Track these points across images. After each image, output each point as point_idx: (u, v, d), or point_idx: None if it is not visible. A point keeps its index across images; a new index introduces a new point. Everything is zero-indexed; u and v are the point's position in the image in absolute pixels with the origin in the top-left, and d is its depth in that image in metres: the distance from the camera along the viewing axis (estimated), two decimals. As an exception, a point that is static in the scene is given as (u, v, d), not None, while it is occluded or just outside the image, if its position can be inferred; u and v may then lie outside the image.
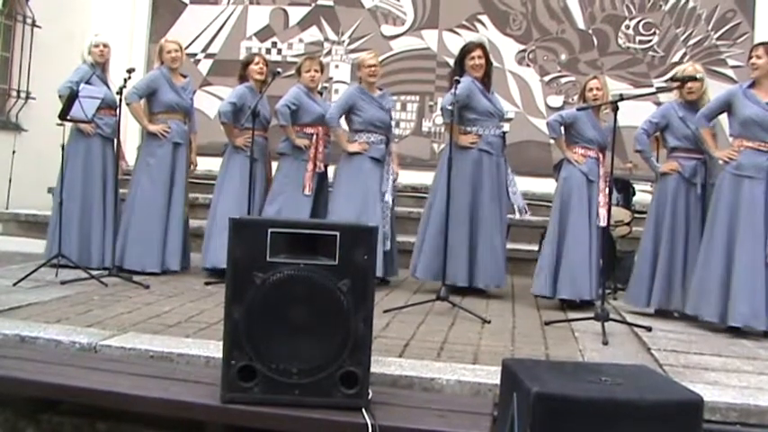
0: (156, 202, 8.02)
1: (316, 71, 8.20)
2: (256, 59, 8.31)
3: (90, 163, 8.00)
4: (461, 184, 7.45)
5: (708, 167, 7.02)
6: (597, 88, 7.57)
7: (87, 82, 7.70)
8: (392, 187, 7.92)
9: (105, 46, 8.22)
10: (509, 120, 8.39)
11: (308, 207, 8.00)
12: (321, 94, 8.51)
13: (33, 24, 11.55)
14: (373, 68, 8.05)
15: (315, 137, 8.09)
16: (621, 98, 6.42)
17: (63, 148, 7.57)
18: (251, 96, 8.03)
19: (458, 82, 7.19)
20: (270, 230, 3.88)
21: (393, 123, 8.22)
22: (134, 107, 8.02)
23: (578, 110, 7.54)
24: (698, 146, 7.03)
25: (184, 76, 8.44)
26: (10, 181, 10.60)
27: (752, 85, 6.60)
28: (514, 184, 7.77)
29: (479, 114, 7.63)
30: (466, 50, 7.90)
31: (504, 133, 7.87)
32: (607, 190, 7.27)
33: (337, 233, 3.90)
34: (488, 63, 7.87)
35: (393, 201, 7.94)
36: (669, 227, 7.07)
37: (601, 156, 7.55)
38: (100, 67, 8.16)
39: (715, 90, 7.22)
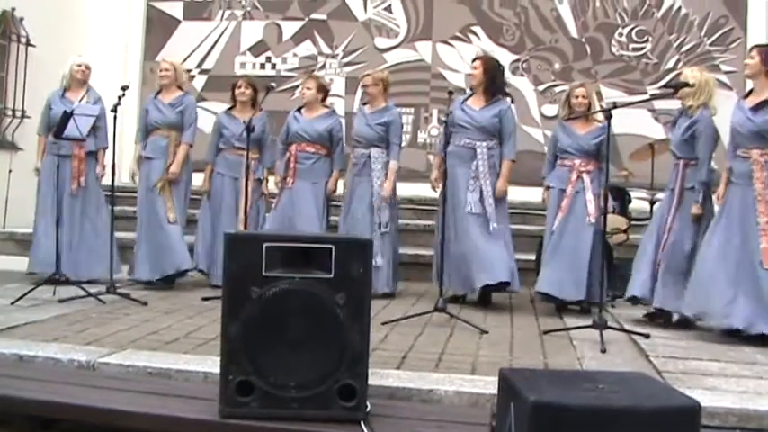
0: (141, 215, 8.35)
1: (308, 88, 8.51)
2: (240, 83, 8.76)
3: (61, 179, 8.10)
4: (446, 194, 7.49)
5: (681, 172, 7.05)
6: (582, 96, 7.72)
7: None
8: (382, 202, 8.05)
9: (87, 67, 8.46)
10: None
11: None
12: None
13: (28, 44, 11.56)
14: (364, 81, 8.38)
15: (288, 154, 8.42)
16: (615, 106, 6.45)
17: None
18: (227, 121, 8.69)
19: (451, 93, 7.40)
20: (265, 245, 3.88)
21: (396, 140, 8.29)
22: (136, 148, 8.53)
23: (565, 119, 7.73)
24: (674, 154, 7.15)
25: (182, 91, 8.58)
26: (6, 200, 10.61)
27: (749, 93, 6.64)
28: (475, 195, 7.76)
29: (453, 127, 7.67)
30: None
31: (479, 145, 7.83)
32: (589, 194, 7.45)
33: (332, 246, 3.91)
34: (485, 73, 7.88)
35: (386, 219, 8.09)
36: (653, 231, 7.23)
37: (579, 162, 7.66)
38: (78, 86, 8.37)
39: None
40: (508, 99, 8.02)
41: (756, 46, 6.71)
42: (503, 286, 7.67)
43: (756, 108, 6.42)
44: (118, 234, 8.28)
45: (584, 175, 7.61)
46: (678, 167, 7.07)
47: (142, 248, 8.25)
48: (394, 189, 8.20)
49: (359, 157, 8.23)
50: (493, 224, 7.63)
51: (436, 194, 7.96)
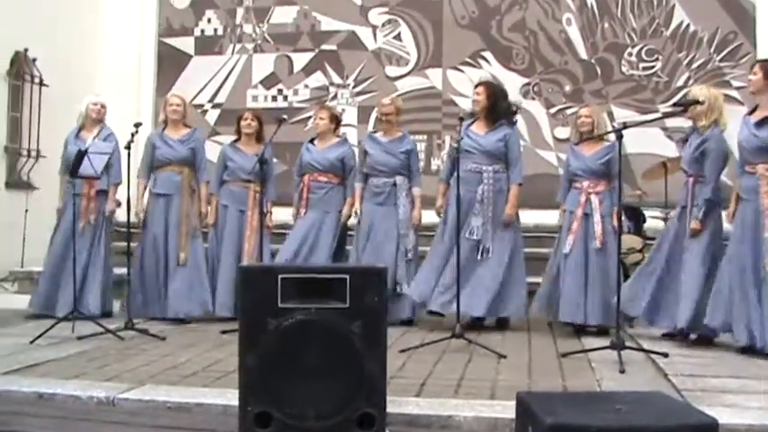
0: (148, 253, 8.35)
1: (321, 119, 8.58)
2: (246, 115, 8.80)
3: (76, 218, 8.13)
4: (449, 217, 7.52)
5: (691, 189, 7.06)
6: (585, 116, 7.82)
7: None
8: (408, 230, 8.08)
9: (103, 106, 8.54)
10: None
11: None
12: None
13: (41, 83, 11.66)
14: (384, 110, 8.37)
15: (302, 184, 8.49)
16: (625, 126, 6.45)
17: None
18: (233, 153, 8.70)
19: (461, 119, 7.51)
20: (280, 276, 3.91)
21: (417, 166, 8.38)
22: (139, 183, 8.46)
23: (575, 144, 7.78)
24: (684, 171, 7.20)
25: (189, 127, 8.63)
26: (24, 239, 10.67)
27: (754, 109, 6.66)
28: (479, 219, 7.78)
29: (461, 153, 7.68)
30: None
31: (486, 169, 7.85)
32: (597, 215, 7.48)
33: (347, 276, 3.93)
34: (489, 98, 7.92)
35: (412, 245, 8.14)
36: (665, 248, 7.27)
37: (587, 183, 7.68)
38: (94, 125, 8.44)
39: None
40: (515, 122, 8.06)
41: (759, 61, 6.75)
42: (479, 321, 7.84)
43: (760, 123, 6.46)
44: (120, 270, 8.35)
45: (593, 197, 7.61)
46: (688, 185, 7.08)
47: (174, 285, 8.28)
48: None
49: (382, 186, 8.22)
50: (485, 253, 7.69)
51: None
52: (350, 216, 8.44)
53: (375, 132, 8.51)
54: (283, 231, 8.89)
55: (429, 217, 8.28)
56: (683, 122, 7.42)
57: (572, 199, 7.79)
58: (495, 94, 7.98)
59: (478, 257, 7.71)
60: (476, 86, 8.09)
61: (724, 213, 6.97)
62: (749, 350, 6.34)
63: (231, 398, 4.55)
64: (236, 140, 8.79)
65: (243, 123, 8.66)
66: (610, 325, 7.06)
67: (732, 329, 6.52)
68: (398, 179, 8.18)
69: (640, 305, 7.14)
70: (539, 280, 8.22)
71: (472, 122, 7.89)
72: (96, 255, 8.34)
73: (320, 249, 8.22)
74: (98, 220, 8.38)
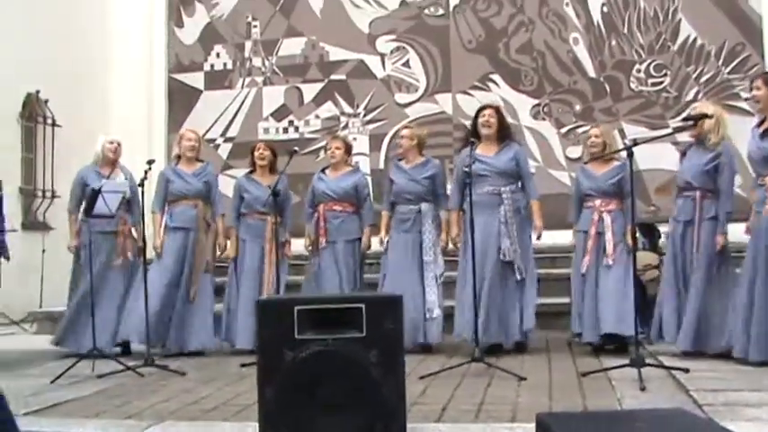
0: (157, 285, 8.18)
1: (337, 148, 8.60)
2: (258, 146, 8.80)
3: (104, 256, 8.30)
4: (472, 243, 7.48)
5: (700, 203, 7.08)
6: (595, 135, 7.86)
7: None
8: (436, 255, 8.09)
9: (119, 144, 8.57)
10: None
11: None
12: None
13: (54, 124, 11.78)
14: (400, 141, 8.53)
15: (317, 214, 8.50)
16: (635, 143, 6.48)
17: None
18: (249, 185, 8.66)
19: (472, 143, 7.44)
20: (296, 308, 3.92)
21: (442, 190, 8.37)
22: (155, 217, 8.49)
23: (585, 163, 7.82)
24: (686, 184, 7.19)
25: (201, 161, 8.67)
26: (42, 280, 10.72)
27: (762, 122, 6.68)
28: (507, 240, 7.78)
29: (473, 178, 7.67)
30: (478, 110, 8.07)
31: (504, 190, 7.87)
32: (609, 233, 7.54)
33: (363, 305, 3.94)
34: (500, 120, 7.96)
35: (441, 270, 8.11)
36: (673, 266, 7.26)
37: (599, 202, 7.70)
38: (109, 164, 8.43)
39: (732, 124, 7.27)
40: (519, 141, 8.15)
41: (760, 76, 6.79)
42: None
43: (765, 134, 6.48)
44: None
45: (605, 215, 7.61)
46: (695, 198, 7.09)
47: (180, 319, 8.30)
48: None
49: (407, 213, 8.22)
50: (521, 273, 7.70)
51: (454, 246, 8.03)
52: (369, 246, 8.46)
53: (400, 160, 8.51)
54: (300, 263, 8.91)
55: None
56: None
57: (584, 219, 7.79)
58: (502, 115, 8.08)
59: (518, 278, 7.73)
60: (483, 109, 8.06)
61: (739, 225, 6.98)
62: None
63: (252, 431, 4.56)
64: (250, 172, 8.81)
65: (256, 155, 8.67)
66: (628, 341, 7.06)
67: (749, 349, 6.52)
68: (424, 206, 8.17)
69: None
70: (553, 300, 8.22)
71: (473, 148, 7.76)
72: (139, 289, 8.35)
73: (346, 279, 8.27)
74: (135, 257, 8.42)
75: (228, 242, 8.58)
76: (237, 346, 8.25)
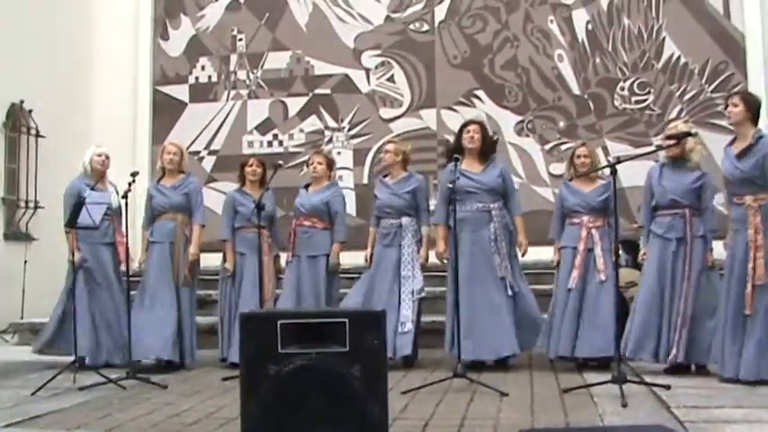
0: (142, 299, 8.33)
1: (319, 163, 8.60)
2: (251, 162, 8.81)
3: (103, 267, 8.34)
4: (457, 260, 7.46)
5: (689, 220, 7.13)
6: (585, 155, 7.93)
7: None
8: (414, 270, 8.10)
9: (107, 157, 8.56)
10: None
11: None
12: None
13: (38, 135, 11.74)
14: (383, 156, 8.68)
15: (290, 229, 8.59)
16: (619, 161, 6.54)
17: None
18: (242, 198, 8.65)
19: (456, 159, 7.38)
20: (279, 322, 3.93)
21: (424, 205, 8.38)
22: (144, 234, 8.62)
23: (570, 180, 7.86)
24: (672, 202, 7.23)
25: (184, 173, 8.67)
26: (23, 291, 10.68)
27: (733, 141, 6.74)
28: (498, 257, 7.81)
29: (458, 194, 7.68)
30: (462, 126, 8.11)
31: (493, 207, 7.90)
32: (598, 249, 7.56)
33: (346, 320, 3.94)
34: (484, 138, 8.00)
35: (420, 285, 8.11)
36: (656, 283, 7.26)
37: (587, 218, 7.77)
38: (98, 176, 8.40)
39: (715, 143, 7.34)
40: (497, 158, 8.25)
41: (737, 93, 6.90)
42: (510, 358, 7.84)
43: (741, 155, 6.56)
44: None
45: (594, 231, 7.67)
46: (685, 216, 7.14)
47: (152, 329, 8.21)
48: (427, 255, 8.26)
49: (388, 227, 8.24)
50: (511, 288, 7.71)
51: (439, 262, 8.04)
52: (338, 263, 8.44)
53: (385, 176, 8.55)
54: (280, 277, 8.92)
55: (430, 257, 8.28)
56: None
57: (570, 235, 7.82)
58: (486, 131, 8.15)
59: (509, 293, 7.75)
60: (467, 125, 8.10)
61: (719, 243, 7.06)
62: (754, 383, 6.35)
63: (234, 445, 4.56)
64: (241, 186, 8.81)
65: (248, 170, 8.67)
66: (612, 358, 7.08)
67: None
68: (404, 220, 8.19)
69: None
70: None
71: (457, 164, 7.80)
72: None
73: (311, 294, 8.26)
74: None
75: (197, 253, 8.46)
76: (230, 360, 8.19)
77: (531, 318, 7.88)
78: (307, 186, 8.66)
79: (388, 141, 8.66)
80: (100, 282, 8.29)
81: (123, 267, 8.12)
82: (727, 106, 6.80)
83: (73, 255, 7.93)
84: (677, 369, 7.06)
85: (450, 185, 7.27)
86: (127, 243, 7.83)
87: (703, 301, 7.02)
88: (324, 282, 8.34)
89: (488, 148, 8.11)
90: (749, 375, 6.28)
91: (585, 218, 7.76)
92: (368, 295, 8.07)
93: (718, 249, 7.11)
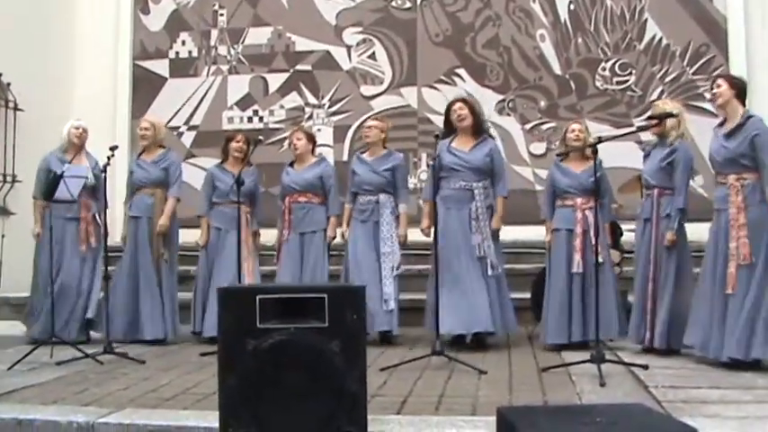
0: (121, 276, 8.39)
1: (299, 139, 8.57)
2: (238, 137, 8.78)
3: (69, 242, 8.35)
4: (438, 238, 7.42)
5: (656, 201, 7.15)
6: (579, 131, 7.80)
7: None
8: (393, 247, 8.10)
9: (84, 130, 8.57)
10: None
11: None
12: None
13: (16, 108, 11.62)
14: (364, 132, 8.64)
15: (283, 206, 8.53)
16: (600, 141, 6.55)
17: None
18: (221, 174, 8.70)
19: (437, 137, 7.39)
20: (258, 297, 3.91)
21: (403, 184, 8.40)
22: (125, 208, 8.67)
23: (557, 155, 7.82)
24: (648, 183, 7.32)
25: (163, 148, 8.66)
26: (0, 264, 10.61)
27: (723, 123, 6.73)
28: (479, 236, 7.78)
29: (444, 171, 7.68)
30: (449, 105, 8.09)
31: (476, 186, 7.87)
32: (593, 231, 7.47)
33: (325, 295, 3.93)
34: (472, 113, 7.96)
35: (398, 262, 8.12)
36: (637, 265, 7.39)
37: (580, 200, 7.73)
38: (75, 150, 8.40)
39: (695, 124, 7.33)
40: (493, 136, 8.13)
41: (719, 76, 6.92)
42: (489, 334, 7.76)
43: (729, 134, 6.54)
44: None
45: (588, 212, 7.60)
46: (653, 197, 7.17)
47: (144, 307, 8.26)
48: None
49: (366, 203, 8.25)
50: (492, 269, 7.67)
51: (429, 239, 7.98)
52: (334, 237, 8.44)
53: (363, 153, 8.52)
54: (266, 253, 8.88)
55: (411, 235, 8.26)
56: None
57: (564, 217, 7.77)
58: (475, 108, 8.06)
59: (489, 272, 7.70)
60: (454, 103, 8.06)
61: (703, 225, 7.03)
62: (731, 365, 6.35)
63: (212, 420, 4.52)
64: (221, 162, 8.79)
65: (234, 146, 8.66)
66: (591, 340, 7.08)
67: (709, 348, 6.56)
68: (382, 197, 8.18)
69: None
70: (518, 295, 8.23)
71: (452, 139, 7.85)
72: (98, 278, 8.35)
73: (312, 270, 8.25)
74: (99, 244, 8.33)
75: (166, 224, 8.41)
76: (205, 334, 8.18)
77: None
78: (291, 164, 8.61)
79: (373, 117, 8.61)
80: (63, 255, 8.29)
81: (93, 242, 8.24)
82: (712, 89, 6.79)
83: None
84: (653, 349, 7.07)
85: (432, 163, 7.26)
86: (105, 218, 7.77)
87: (677, 283, 7.02)
88: (324, 257, 8.35)
89: (479, 125, 8.03)
90: (739, 355, 6.22)
91: (579, 200, 7.69)
92: (354, 270, 8.09)
93: (699, 231, 7.11)
